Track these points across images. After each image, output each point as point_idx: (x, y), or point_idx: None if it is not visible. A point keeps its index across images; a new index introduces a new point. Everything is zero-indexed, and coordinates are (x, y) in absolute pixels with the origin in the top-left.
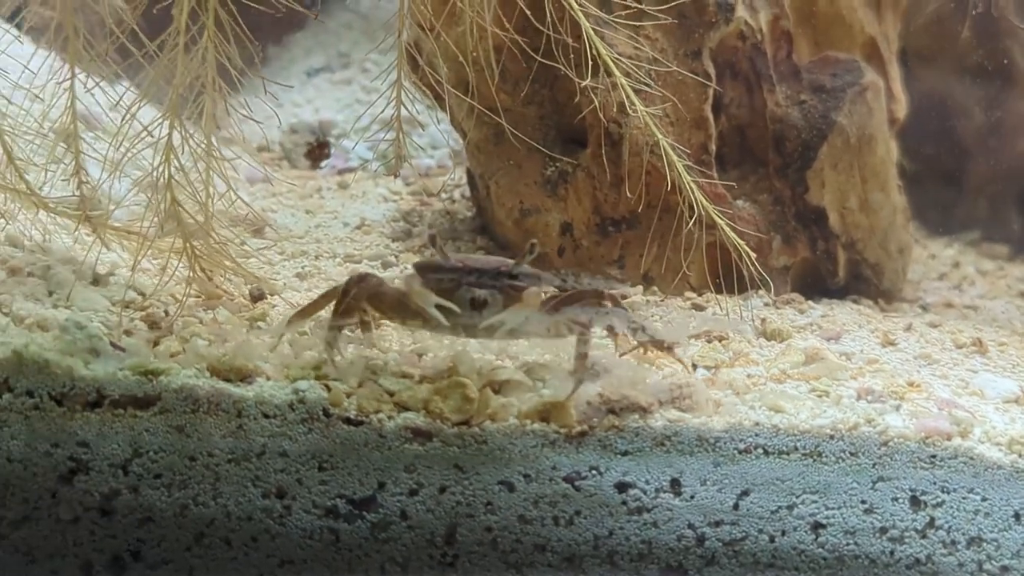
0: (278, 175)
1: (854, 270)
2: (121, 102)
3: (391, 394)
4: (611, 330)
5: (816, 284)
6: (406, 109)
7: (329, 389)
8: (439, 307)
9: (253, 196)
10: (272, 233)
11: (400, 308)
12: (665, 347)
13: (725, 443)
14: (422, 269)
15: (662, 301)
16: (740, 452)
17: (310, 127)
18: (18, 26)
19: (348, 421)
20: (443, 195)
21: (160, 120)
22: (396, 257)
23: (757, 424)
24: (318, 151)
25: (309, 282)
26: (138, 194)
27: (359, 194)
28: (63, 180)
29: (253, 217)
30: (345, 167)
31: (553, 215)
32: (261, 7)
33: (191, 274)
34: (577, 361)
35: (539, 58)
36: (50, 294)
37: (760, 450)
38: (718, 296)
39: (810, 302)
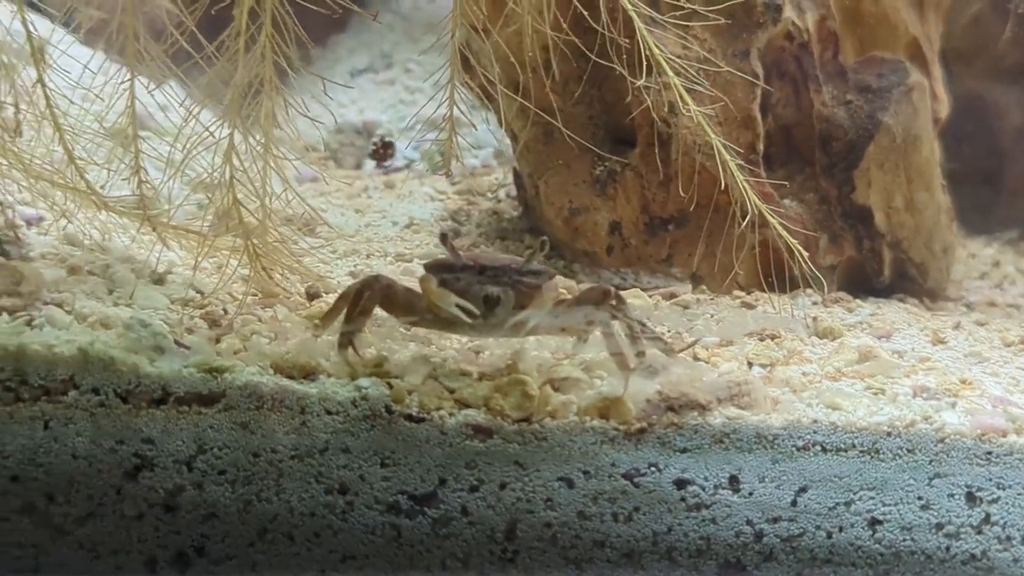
0: (328, 174)
1: (899, 269)
2: (179, 103)
3: (451, 391)
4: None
5: (861, 283)
6: (458, 109)
7: (391, 386)
8: (459, 307)
9: (303, 195)
10: (324, 232)
11: (412, 308)
12: (671, 348)
13: (783, 440)
14: (434, 268)
15: (712, 299)
16: (798, 449)
17: (355, 127)
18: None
19: (410, 418)
20: (489, 194)
21: (220, 121)
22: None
23: (815, 421)
24: (383, 151)
25: None
26: (194, 193)
27: (406, 193)
28: (123, 180)
29: (306, 216)
30: (391, 167)
31: (602, 214)
32: (316, 7)
33: (252, 272)
34: (617, 359)
35: (594, 57)
36: (110, 292)
37: (818, 447)
38: (767, 294)
39: (858, 300)
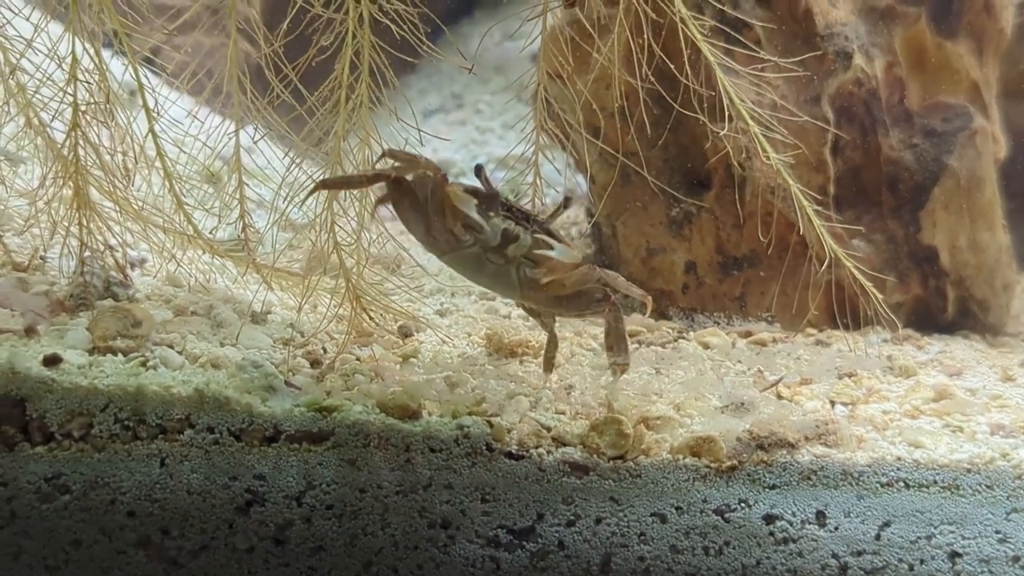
0: None
1: (962, 306)
2: (284, 153)
3: (548, 429)
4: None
5: (926, 320)
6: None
7: (491, 425)
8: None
9: (384, 234)
10: (409, 270)
11: (426, 219)
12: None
13: (868, 477)
14: (470, 191)
15: (786, 338)
16: (882, 485)
17: None
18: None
19: (510, 455)
20: (561, 232)
21: (326, 167)
22: None
23: (899, 459)
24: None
25: (450, 318)
26: (281, 232)
27: None
28: (228, 224)
29: (396, 256)
30: None
31: (678, 254)
32: (404, 57)
33: (353, 313)
34: (617, 344)
35: (677, 107)
36: (214, 332)
37: (901, 483)
38: (839, 333)
39: (926, 338)
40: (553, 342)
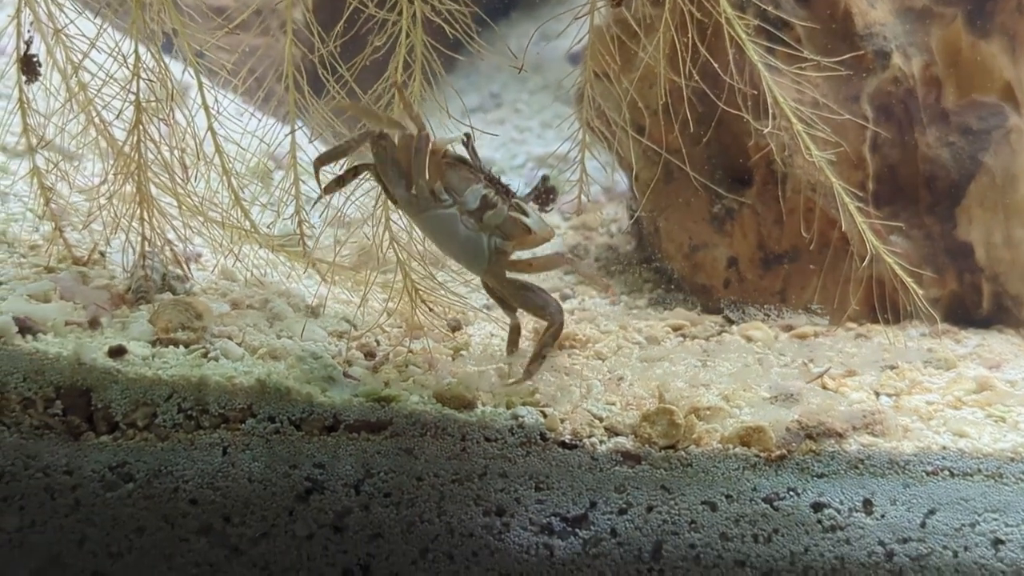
0: None
1: (997, 301)
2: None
3: (600, 419)
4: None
5: (962, 314)
6: (570, 148)
7: (545, 415)
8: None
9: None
10: (455, 265)
11: (406, 175)
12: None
13: (914, 466)
14: (452, 156)
15: (828, 331)
16: (928, 474)
17: None
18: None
19: (563, 445)
20: (601, 229)
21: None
22: (572, 290)
23: (944, 448)
24: (546, 195)
25: (496, 312)
26: (328, 227)
27: None
28: (285, 219)
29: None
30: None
31: (720, 250)
32: (453, 55)
33: (413, 307)
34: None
35: (722, 105)
36: (270, 325)
37: (947, 472)
38: (877, 326)
39: (963, 332)
40: (516, 329)
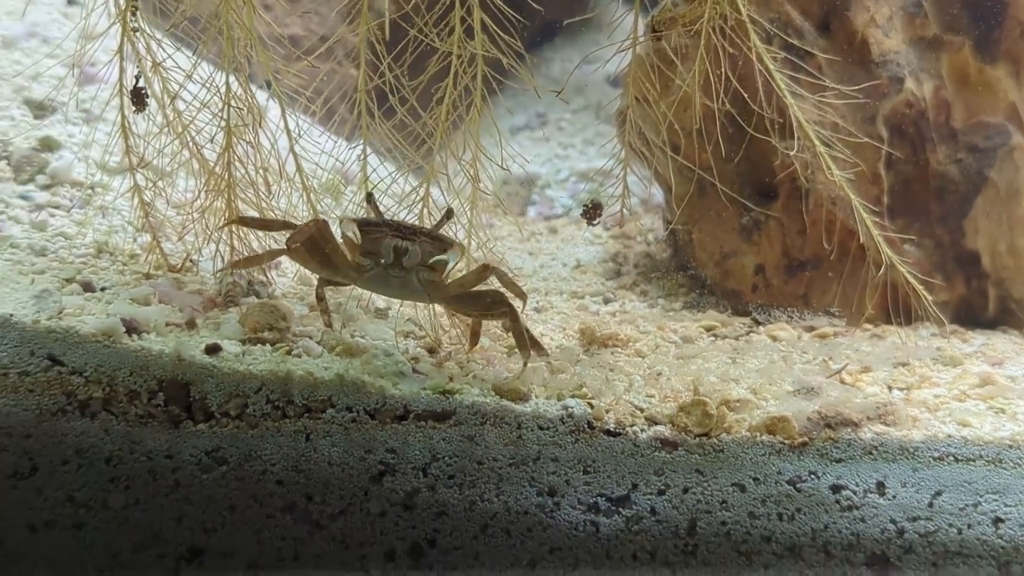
0: (514, 221)
1: (1002, 305)
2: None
3: (641, 410)
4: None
5: (969, 317)
6: (609, 162)
7: (592, 406)
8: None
9: (480, 240)
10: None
11: (330, 263)
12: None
13: (923, 452)
14: (357, 221)
15: (846, 332)
16: (935, 459)
17: (519, 179)
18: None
19: (608, 433)
20: (639, 238)
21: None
22: (613, 294)
23: (949, 436)
24: (593, 211)
25: (545, 315)
26: None
27: (568, 238)
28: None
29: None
30: (551, 214)
31: (748, 258)
32: (502, 79)
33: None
34: (519, 341)
35: (751, 131)
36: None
37: (951, 457)
38: (891, 327)
39: (970, 332)
40: (475, 335)
